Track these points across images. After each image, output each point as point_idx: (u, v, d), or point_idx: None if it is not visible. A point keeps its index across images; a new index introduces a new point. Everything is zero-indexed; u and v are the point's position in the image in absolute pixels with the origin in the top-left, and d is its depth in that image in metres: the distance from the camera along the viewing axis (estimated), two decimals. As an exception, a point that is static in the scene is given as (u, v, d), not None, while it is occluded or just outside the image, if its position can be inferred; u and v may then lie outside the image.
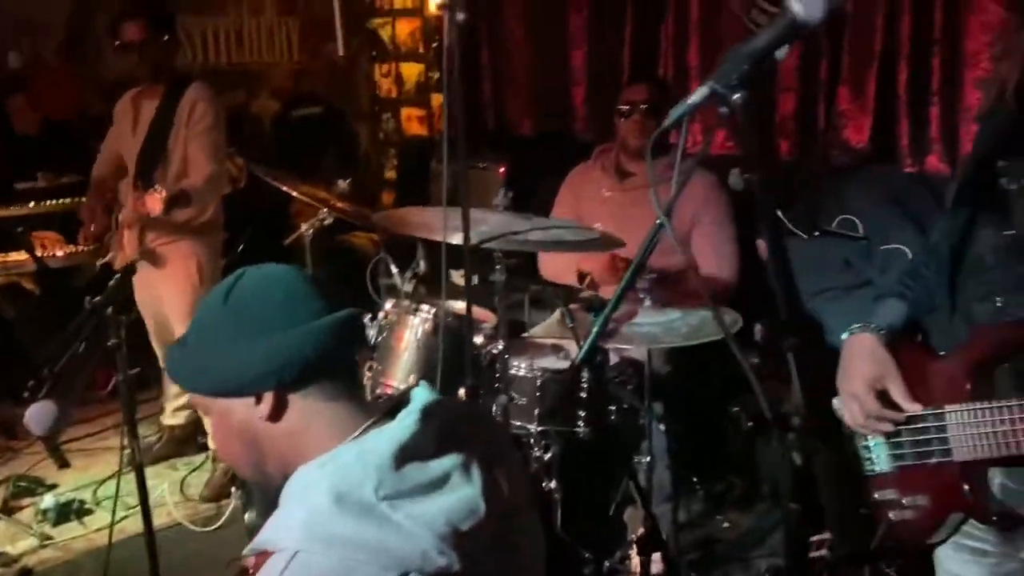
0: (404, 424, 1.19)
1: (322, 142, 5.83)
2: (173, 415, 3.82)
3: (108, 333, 2.01)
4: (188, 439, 3.84)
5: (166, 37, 3.41)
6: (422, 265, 2.55)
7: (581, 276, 3.08)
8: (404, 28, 5.65)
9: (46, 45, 5.28)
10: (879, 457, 1.66)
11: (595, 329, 1.76)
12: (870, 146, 3.39)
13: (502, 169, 4.60)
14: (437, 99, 5.51)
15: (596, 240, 2.41)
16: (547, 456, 2.62)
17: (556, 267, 3.22)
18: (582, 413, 2.55)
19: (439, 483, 1.16)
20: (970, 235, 1.53)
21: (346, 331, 1.21)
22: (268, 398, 1.18)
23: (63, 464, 3.65)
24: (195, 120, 3.33)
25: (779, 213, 3.32)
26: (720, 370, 3.01)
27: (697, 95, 1.12)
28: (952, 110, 3.17)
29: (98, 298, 1.93)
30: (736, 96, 1.07)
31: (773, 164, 3.54)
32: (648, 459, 2.58)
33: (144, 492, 2.38)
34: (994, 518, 1.46)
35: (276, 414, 1.19)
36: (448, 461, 1.19)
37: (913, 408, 1.55)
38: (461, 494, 1.17)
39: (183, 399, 3.75)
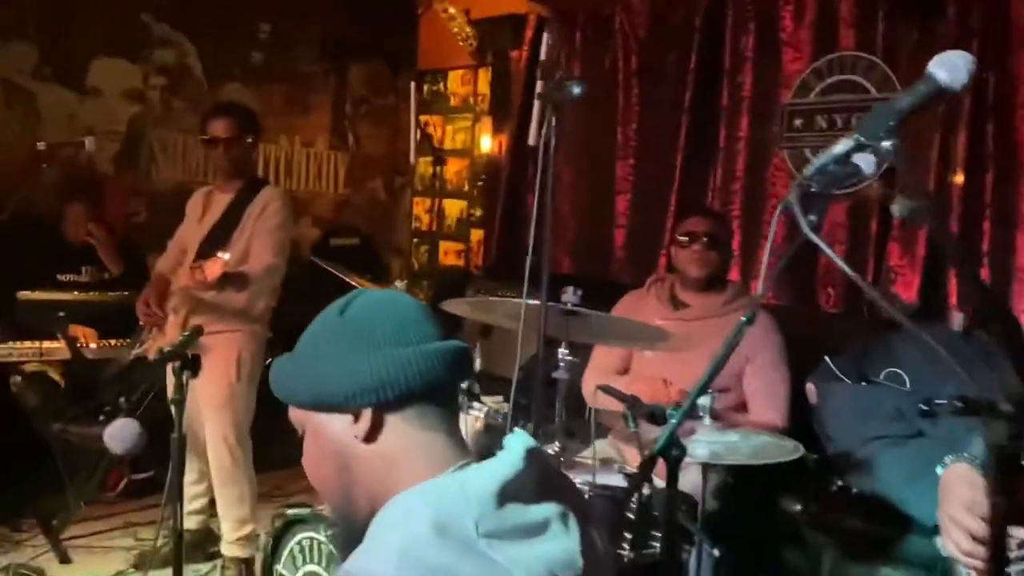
0: (508, 462, 1.14)
1: (354, 271, 5.93)
2: (186, 518, 3.68)
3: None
4: (197, 546, 3.67)
5: (250, 138, 3.52)
6: (477, 363, 2.51)
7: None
8: (452, 167, 5.85)
9: (103, 153, 5.50)
10: None
11: (675, 420, 1.73)
12: (919, 302, 3.41)
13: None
14: (476, 235, 5.63)
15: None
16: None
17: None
18: (628, 535, 2.45)
19: (539, 529, 1.11)
20: None
21: (454, 361, 1.18)
22: (367, 416, 1.14)
23: (64, 559, 3.56)
24: (265, 218, 3.38)
25: (827, 359, 3.32)
26: (771, 508, 2.91)
27: (842, 145, 1.14)
28: (1003, 269, 3.21)
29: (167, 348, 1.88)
30: (886, 143, 1.09)
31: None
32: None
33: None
34: None
35: (373, 434, 1.15)
36: (548, 509, 1.14)
37: (1019, 533, 1.47)
38: (561, 544, 1.12)
39: (197, 503, 3.62)
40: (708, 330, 2.99)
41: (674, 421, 1.75)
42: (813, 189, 1.78)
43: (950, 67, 1.12)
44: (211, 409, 3.31)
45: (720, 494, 2.86)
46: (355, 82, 6.29)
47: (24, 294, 3.97)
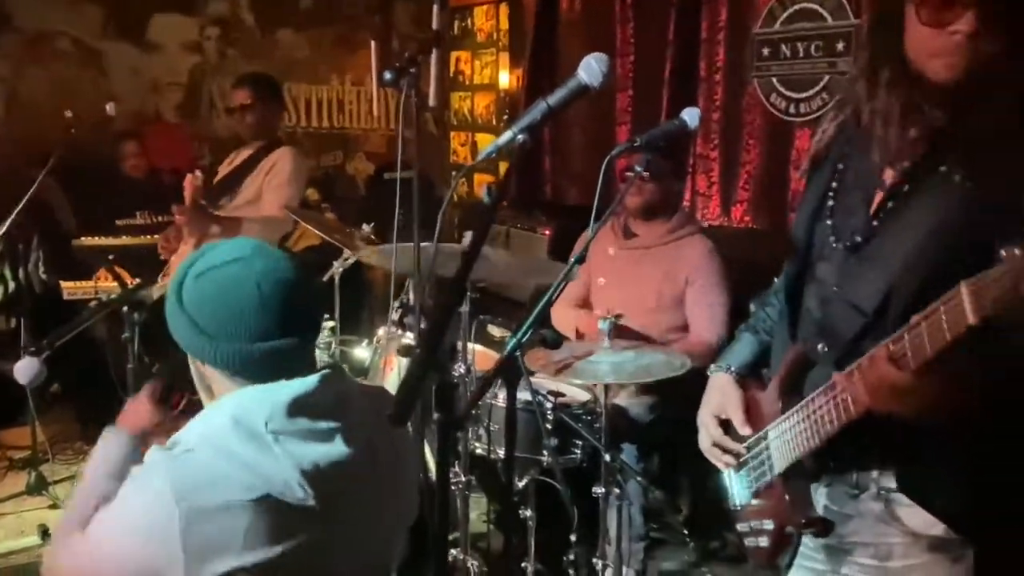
0: (305, 382, 1.44)
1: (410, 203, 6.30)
2: None
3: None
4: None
5: (269, 104, 3.90)
6: (410, 296, 2.87)
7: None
8: (481, 101, 6.12)
9: (167, 103, 6.03)
10: (739, 492, 1.78)
11: (512, 341, 2.04)
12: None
13: (546, 232, 4.93)
14: (504, 167, 5.92)
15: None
16: (521, 484, 2.89)
17: (560, 322, 3.46)
18: (550, 443, 2.79)
19: (322, 437, 1.41)
20: (804, 286, 1.62)
21: (276, 357, 1.44)
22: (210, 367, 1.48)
23: (125, 466, 4.15)
24: (273, 174, 3.75)
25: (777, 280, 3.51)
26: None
27: (504, 137, 1.39)
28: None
29: (112, 296, 2.31)
30: (521, 137, 1.34)
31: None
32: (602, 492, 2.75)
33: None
34: (803, 521, 1.58)
35: (215, 373, 1.48)
36: (335, 424, 1.43)
37: (745, 431, 1.69)
38: (335, 449, 1.42)
39: None
40: (652, 258, 3.23)
41: (510, 346, 2.08)
42: (637, 143, 2.08)
43: (587, 69, 1.37)
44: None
45: (652, 410, 3.16)
46: (400, 20, 6.56)
47: (77, 241, 4.54)
